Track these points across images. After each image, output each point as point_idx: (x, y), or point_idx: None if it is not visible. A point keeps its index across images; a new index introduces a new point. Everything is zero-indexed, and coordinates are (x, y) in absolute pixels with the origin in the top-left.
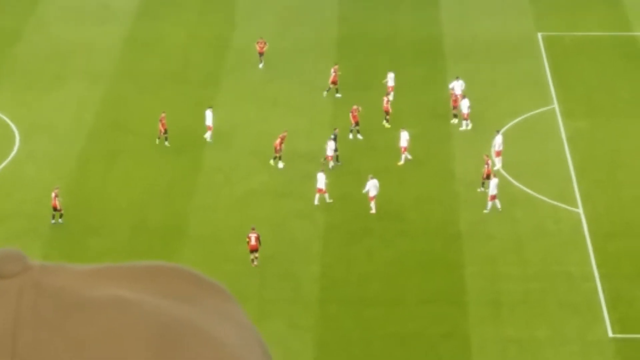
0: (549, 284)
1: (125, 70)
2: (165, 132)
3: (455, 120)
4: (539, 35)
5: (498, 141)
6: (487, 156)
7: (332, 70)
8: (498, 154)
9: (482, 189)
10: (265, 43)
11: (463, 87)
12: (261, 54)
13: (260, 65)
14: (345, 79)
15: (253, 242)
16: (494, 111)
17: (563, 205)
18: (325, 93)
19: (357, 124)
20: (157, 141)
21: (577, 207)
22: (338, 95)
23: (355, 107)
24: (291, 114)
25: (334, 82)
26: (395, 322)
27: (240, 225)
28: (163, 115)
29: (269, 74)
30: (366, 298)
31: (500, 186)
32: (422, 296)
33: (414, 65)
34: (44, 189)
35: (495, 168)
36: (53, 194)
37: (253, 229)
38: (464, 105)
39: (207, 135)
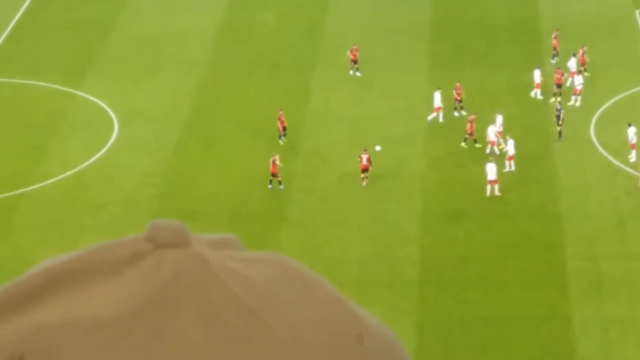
0: None
1: (218, 56)
2: (285, 129)
3: (553, 99)
4: (637, 12)
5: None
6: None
7: (351, 50)
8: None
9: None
10: (358, 50)
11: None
12: (355, 61)
13: (356, 73)
14: (440, 60)
15: (364, 162)
16: (592, 90)
17: None
18: (351, 72)
19: (460, 101)
20: (280, 141)
21: None
22: (358, 73)
23: (458, 84)
24: (386, 97)
25: (354, 61)
26: (495, 304)
27: (338, 209)
28: (281, 112)
29: (363, 58)
30: (465, 280)
31: (600, 165)
32: (521, 278)
33: (510, 46)
34: (141, 176)
35: (504, 149)
36: (271, 160)
37: (365, 150)
38: (577, 81)
39: (433, 116)
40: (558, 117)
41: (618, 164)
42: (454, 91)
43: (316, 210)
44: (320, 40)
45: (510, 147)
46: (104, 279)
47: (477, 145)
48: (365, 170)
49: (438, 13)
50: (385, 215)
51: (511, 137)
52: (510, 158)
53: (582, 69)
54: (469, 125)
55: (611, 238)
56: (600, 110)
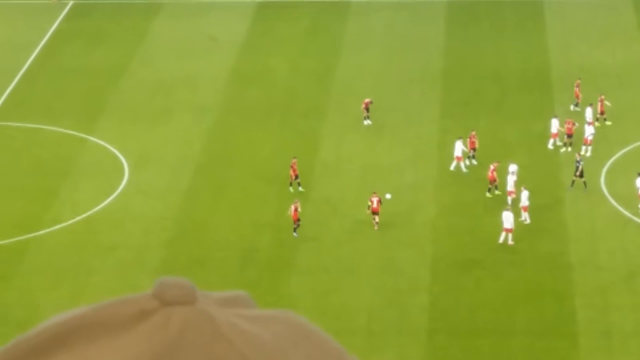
0: None
1: (230, 102)
2: (297, 177)
3: (564, 149)
4: None
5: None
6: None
7: (364, 103)
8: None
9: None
10: (371, 102)
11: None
12: (367, 109)
13: (367, 121)
14: (451, 109)
15: (375, 205)
16: (603, 140)
17: None
18: (365, 122)
19: (474, 149)
20: (290, 188)
21: None
22: (369, 121)
23: (473, 133)
24: (397, 145)
25: (366, 110)
26: (504, 354)
27: (348, 256)
28: (294, 160)
29: (374, 106)
30: (475, 328)
31: (610, 215)
32: (532, 327)
33: (521, 95)
34: (152, 221)
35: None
36: (293, 207)
37: (374, 193)
38: (588, 131)
39: (455, 165)
40: (577, 168)
41: (628, 214)
42: (469, 140)
43: (326, 258)
44: (332, 87)
45: (524, 198)
46: (113, 335)
47: (497, 192)
48: (375, 213)
49: (450, 62)
50: (395, 263)
51: (525, 187)
52: (525, 209)
53: (599, 116)
54: (490, 173)
55: (621, 289)
56: (610, 161)
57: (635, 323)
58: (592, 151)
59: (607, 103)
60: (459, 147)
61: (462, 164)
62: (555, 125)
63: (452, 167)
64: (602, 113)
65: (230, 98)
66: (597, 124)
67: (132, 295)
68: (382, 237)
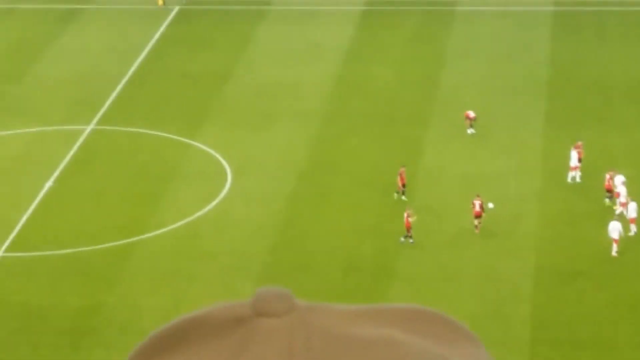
0: None
1: (334, 109)
2: (404, 186)
3: None
4: None
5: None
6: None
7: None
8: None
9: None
10: (475, 117)
11: None
12: (471, 120)
13: (471, 130)
14: (556, 119)
15: (477, 208)
16: None
17: None
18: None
19: (580, 160)
20: (395, 195)
21: None
22: (473, 130)
23: (579, 143)
24: (500, 154)
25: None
26: None
27: (450, 265)
28: (402, 169)
29: (478, 114)
30: (578, 341)
31: None
32: (636, 340)
33: (626, 105)
34: (254, 228)
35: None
36: (405, 214)
37: (478, 196)
38: None
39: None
40: None
41: None
42: (575, 150)
43: (427, 266)
44: (436, 95)
45: (631, 210)
46: (215, 336)
47: (608, 203)
48: (478, 216)
49: (554, 71)
50: (497, 272)
51: (633, 199)
52: (632, 221)
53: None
54: (607, 182)
55: None
56: None
57: None
58: None
59: None
60: (574, 157)
61: (577, 174)
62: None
63: (569, 179)
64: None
65: (333, 105)
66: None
67: (232, 302)
68: (484, 246)
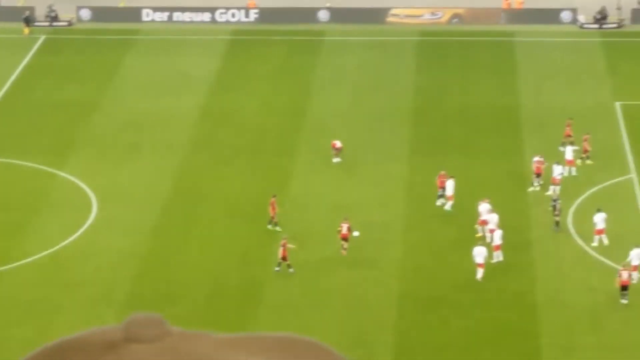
0: (626, 354)
1: (200, 139)
2: (275, 216)
3: (532, 188)
4: (617, 104)
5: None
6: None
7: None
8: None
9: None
10: (341, 148)
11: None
12: (337, 149)
13: (337, 159)
14: (421, 148)
15: (345, 230)
16: (571, 180)
17: (636, 274)
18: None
19: (443, 189)
20: (269, 226)
21: None
22: (339, 159)
23: (443, 172)
24: (366, 183)
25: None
26: None
27: (316, 293)
28: (273, 199)
29: (344, 143)
30: None
31: (576, 255)
32: None
33: (490, 134)
34: (119, 257)
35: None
36: (282, 243)
37: (346, 219)
38: (557, 171)
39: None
40: (554, 207)
41: (595, 254)
42: (438, 179)
43: (294, 294)
44: (302, 125)
45: (497, 238)
46: None
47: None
48: (345, 239)
49: (420, 100)
50: (362, 300)
51: (499, 227)
52: (497, 248)
53: (583, 156)
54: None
55: (586, 328)
56: (578, 201)
57: None
58: (560, 190)
59: (588, 146)
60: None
61: (449, 204)
62: (569, 152)
63: (447, 208)
64: (585, 152)
65: (200, 135)
66: (578, 162)
67: (106, 327)
68: (349, 275)
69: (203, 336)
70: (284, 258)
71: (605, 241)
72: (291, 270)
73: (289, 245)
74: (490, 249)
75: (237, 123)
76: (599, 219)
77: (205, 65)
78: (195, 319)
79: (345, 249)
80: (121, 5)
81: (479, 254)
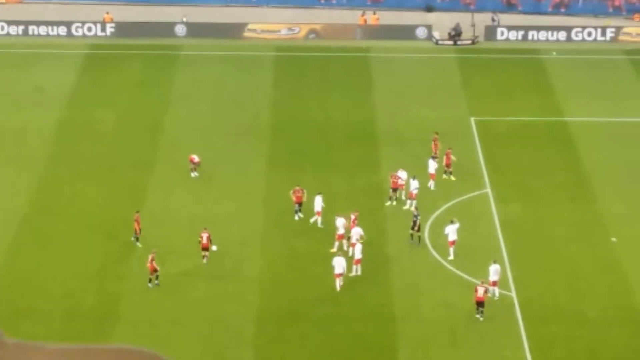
0: None
1: (57, 154)
2: (139, 231)
3: (389, 203)
4: (472, 119)
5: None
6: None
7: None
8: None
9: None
10: (199, 163)
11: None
12: (195, 164)
13: (194, 173)
14: (279, 163)
15: (205, 241)
16: (427, 195)
17: (496, 289)
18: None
19: (300, 204)
20: (133, 239)
21: (510, 291)
22: (196, 174)
23: (298, 187)
24: (224, 197)
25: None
26: None
27: (175, 308)
28: (137, 215)
29: (202, 158)
30: None
31: (433, 269)
32: None
33: (347, 149)
34: None
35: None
36: (150, 257)
37: (205, 229)
38: (413, 185)
39: (316, 219)
40: (415, 222)
41: (451, 268)
42: (293, 194)
43: (151, 310)
44: (160, 139)
45: (357, 251)
46: None
47: (332, 250)
48: (205, 249)
49: (277, 115)
50: (221, 315)
51: (359, 240)
52: (357, 262)
53: (447, 170)
54: (352, 223)
55: (444, 342)
56: (434, 215)
57: None
58: (417, 205)
59: (452, 157)
60: (432, 166)
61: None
62: (432, 166)
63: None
64: (448, 166)
65: (57, 150)
66: (452, 177)
67: None
68: (208, 290)
69: (37, 347)
70: (153, 271)
71: (452, 256)
72: (156, 282)
73: (154, 262)
74: (350, 262)
75: (93, 137)
76: (451, 230)
77: (61, 79)
78: (51, 334)
79: (205, 257)
80: None
81: (338, 264)
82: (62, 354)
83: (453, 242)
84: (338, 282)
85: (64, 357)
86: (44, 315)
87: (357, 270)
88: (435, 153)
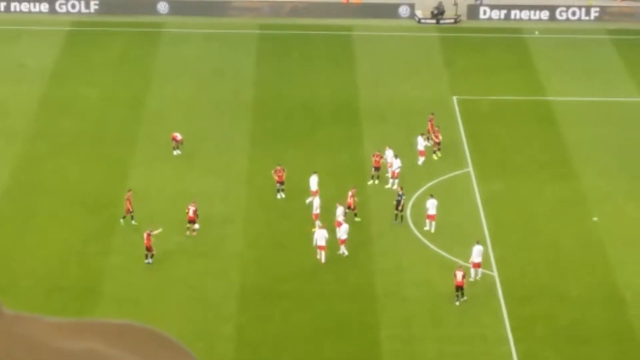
0: (464, 347)
1: (40, 130)
2: (132, 210)
3: (371, 182)
4: (454, 98)
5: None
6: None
7: (174, 137)
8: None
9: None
10: (181, 140)
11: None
12: (177, 141)
13: (177, 151)
14: (262, 140)
15: (191, 214)
16: (409, 174)
17: (479, 271)
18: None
19: (281, 183)
20: (122, 221)
21: (491, 270)
22: (179, 151)
23: (279, 167)
24: (207, 174)
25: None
26: None
27: (157, 285)
28: (129, 193)
29: (185, 135)
30: None
31: (415, 248)
32: (337, 358)
33: (331, 127)
34: None
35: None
36: (146, 234)
37: (194, 202)
38: (396, 164)
39: (311, 200)
40: (399, 202)
41: (433, 247)
42: (275, 174)
43: (134, 287)
44: (142, 116)
45: (342, 232)
46: None
47: (357, 219)
48: (191, 221)
49: (260, 93)
50: (203, 292)
51: (345, 221)
52: (342, 242)
53: (435, 149)
54: (350, 199)
55: (425, 321)
56: (417, 194)
57: (438, 354)
58: (398, 184)
59: (440, 136)
60: (421, 143)
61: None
62: (421, 143)
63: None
64: (437, 144)
65: (39, 126)
66: (439, 153)
67: None
68: (190, 267)
69: (37, 320)
70: (148, 248)
71: (433, 229)
72: (149, 261)
73: (155, 232)
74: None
75: (76, 113)
76: (431, 205)
77: (44, 56)
78: (33, 310)
79: (189, 230)
80: None
81: (321, 237)
82: (64, 327)
83: (432, 217)
84: (322, 255)
85: (66, 330)
86: (26, 291)
87: (343, 250)
88: (430, 133)
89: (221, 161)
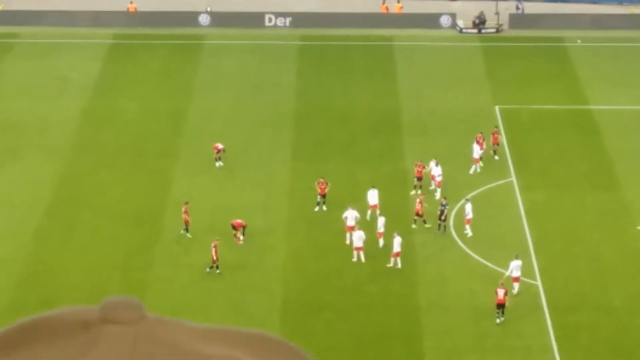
0: (507, 357)
1: (81, 144)
2: (189, 222)
3: (414, 192)
4: (496, 108)
5: (468, 209)
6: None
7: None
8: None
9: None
10: (223, 149)
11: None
12: (219, 152)
13: (219, 162)
14: (303, 152)
15: (239, 220)
16: (452, 184)
17: (521, 278)
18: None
19: (323, 196)
20: (187, 233)
21: (535, 279)
22: (221, 163)
23: (322, 180)
24: (248, 187)
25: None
26: None
27: (199, 298)
28: (186, 206)
29: (227, 146)
30: None
31: (458, 258)
32: None
33: (371, 138)
34: (0, 263)
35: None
36: (213, 245)
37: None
38: (437, 172)
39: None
40: (442, 212)
41: (476, 257)
42: (318, 186)
43: (176, 299)
44: (183, 129)
45: (396, 245)
46: (60, 337)
47: (427, 226)
48: (236, 228)
49: (301, 105)
50: (245, 305)
51: (399, 234)
52: (396, 255)
53: (495, 148)
54: (418, 206)
55: (468, 331)
56: (459, 204)
57: None
58: (441, 192)
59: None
60: (477, 150)
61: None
62: (476, 151)
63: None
64: (495, 144)
65: (81, 140)
66: (496, 157)
67: (81, 306)
68: (232, 280)
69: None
70: (214, 260)
71: (470, 233)
72: (216, 271)
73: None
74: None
75: (117, 127)
76: (469, 209)
77: (85, 69)
78: None
79: (239, 239)
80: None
81: (359, 238)
82: (203, 333)
83: (470, 220)
84: (361, 255)
85: (205, 336)
86: (69, 304)
87: (396, 263)
88: (496, 146)
89: (262, 173)
